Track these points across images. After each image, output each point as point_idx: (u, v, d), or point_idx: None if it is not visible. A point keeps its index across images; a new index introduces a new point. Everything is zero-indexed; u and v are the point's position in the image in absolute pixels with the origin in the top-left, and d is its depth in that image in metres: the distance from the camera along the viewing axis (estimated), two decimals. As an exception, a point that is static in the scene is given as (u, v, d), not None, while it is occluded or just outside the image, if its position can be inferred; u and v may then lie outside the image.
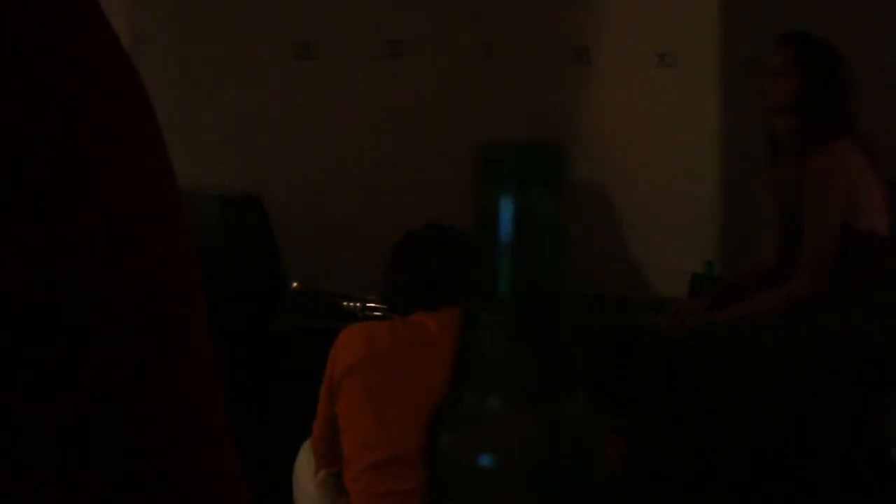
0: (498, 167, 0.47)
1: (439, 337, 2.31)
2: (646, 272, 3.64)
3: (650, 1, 3.64)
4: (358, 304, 3.03)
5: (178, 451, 0.41)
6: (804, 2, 3.34)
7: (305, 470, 2.50)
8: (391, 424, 2.21)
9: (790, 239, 2.83)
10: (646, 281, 3.61)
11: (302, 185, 3.45)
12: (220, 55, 3.43)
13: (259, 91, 3.46)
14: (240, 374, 2.87)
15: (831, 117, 2.69)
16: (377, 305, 2.82)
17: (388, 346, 2.30)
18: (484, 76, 3.56)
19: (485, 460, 0.52)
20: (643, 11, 3.62)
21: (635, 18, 3.62)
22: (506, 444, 0.49)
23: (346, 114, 3.51)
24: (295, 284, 3.21)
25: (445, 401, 0.55)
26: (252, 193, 3.27)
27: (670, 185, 3.64)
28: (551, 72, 3.58)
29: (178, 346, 0.41)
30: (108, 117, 0.39)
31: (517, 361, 0.51)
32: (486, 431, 0.52)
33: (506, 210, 0.47)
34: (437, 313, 2.36)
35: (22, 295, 0.36)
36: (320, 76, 3.47)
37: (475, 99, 3.56)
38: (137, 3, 3.37)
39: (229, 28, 3.47)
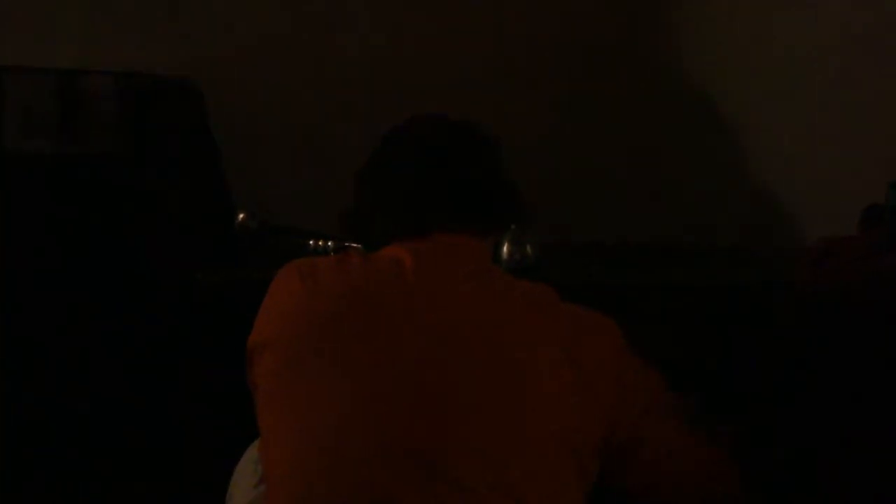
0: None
1: (422, 286, 1.41)
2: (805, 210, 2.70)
3: None
4: (330, 243, 2.24)
5: None
6: None
7: (244, 481, 1.68)
8: (334, 446, 1.34)
9: None
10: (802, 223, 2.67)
11: (247, 77, 2.57)
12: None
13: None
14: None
15: None
16: (357, 245, 2.06)
17: (335, 298, 1.41)
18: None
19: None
20: None
21: None
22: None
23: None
24: (241, 216, 2.33)
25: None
26: (187, 77, 2.38)
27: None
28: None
29: None
30: None
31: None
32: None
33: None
34: (423, 242, 1.47)
35: None
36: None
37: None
38: None
39: None
